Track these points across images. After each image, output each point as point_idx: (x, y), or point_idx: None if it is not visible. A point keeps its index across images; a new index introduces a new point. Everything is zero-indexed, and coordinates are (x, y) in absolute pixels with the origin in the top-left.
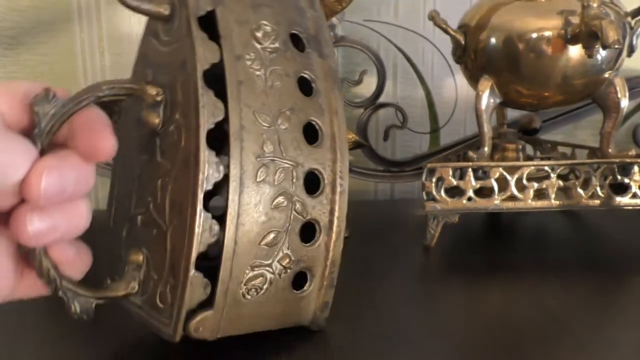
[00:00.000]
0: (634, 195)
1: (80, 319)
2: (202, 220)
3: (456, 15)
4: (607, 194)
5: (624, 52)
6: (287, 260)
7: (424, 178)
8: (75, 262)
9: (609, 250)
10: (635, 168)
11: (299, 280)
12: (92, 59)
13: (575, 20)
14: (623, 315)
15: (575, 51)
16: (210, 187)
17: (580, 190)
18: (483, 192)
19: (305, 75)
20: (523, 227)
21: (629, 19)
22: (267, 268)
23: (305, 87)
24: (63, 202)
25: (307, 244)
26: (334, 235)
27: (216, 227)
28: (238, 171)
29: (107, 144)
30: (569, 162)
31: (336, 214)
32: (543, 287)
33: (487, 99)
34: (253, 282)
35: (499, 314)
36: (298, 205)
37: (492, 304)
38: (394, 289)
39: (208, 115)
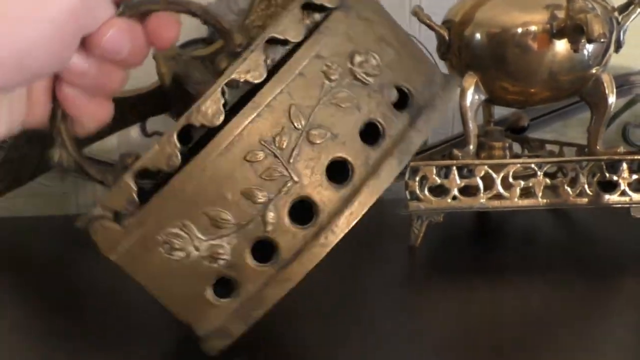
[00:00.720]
0: (623, 193)
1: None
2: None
3: (442, 12)
4: (596, 192)
5: (611, 48)
6: (223, 251)
7: (407, 177)
8: (92, 114)
9: (597, 250)
10: (624, 165)
11: (221, 285)
12: None
13: (560, 14)
14: (608, 318)
15: (561, 46)
16: None
17: (567, 188)
18: (468, 191)
19: (377, 122)
20: (510, 227)
21: (616, 14)
22: (197, 240)
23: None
24: (109, 63)
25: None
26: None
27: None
28: None
29: (171, 34)
30: (555, 159)
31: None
32: (529, 288)
33: (471, 96)
34: (173, 239)
35: (483, 315)
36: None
37: (477, 304)
38: (377, 289)
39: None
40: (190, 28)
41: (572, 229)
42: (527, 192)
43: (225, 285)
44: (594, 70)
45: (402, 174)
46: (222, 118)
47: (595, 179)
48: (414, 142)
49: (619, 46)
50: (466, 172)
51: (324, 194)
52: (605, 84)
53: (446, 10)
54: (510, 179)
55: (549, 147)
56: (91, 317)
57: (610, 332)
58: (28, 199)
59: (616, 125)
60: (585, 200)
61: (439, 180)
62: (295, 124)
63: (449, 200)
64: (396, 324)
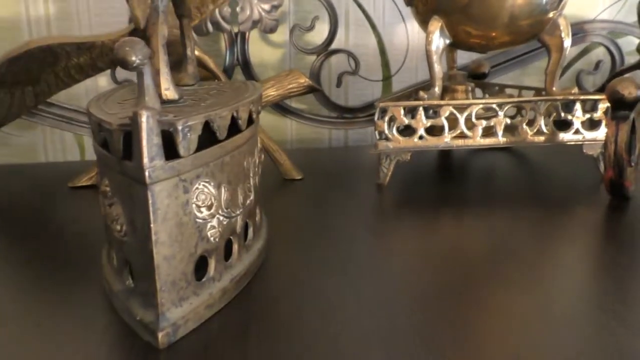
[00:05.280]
0: (577, 132)
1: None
2: None
3: None
4: (552, 130)
5: None
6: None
7: (376, 117)
8: None
9: (553, 184)
10: (577, 105)
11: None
12: (35, 6)
13: None
14: (567, 239)
15: None
16: None
17: (526, 127)
18: (433, 132)
19: None
20: (472, 166)
21: None
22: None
23: None
24: None
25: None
26: None
27: None
28: None
29: None
30: (515, 99)
31: None
32: (493, 217)
33: (437, 40)
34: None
35: (452, 242)
36: None
37: (446, 233)
38: (348, 223)
39: None
40: None
41: (528, 166)
42: (488, 132)
43: None
44: (551, 15)
45: (371, 122)
46: None
47: (552, 118)
48: None
49: None
50: (432, 113)
51: None
52: (562, 27)
53: None
54: (474, 119)
55: (508, 92)
56: (52, 249)
57: (568, 251)
58: None
59: (570, 73)
60: (542, 138)
61: (406, 121)
62: None
63: (416, 140)
64: (369, 252)
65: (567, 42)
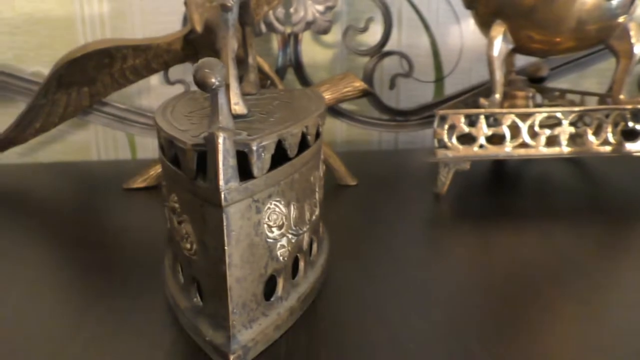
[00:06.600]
0: None
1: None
2: None
3: None
4: (619, 140)
5: None
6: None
7: (435, 125)
8: None
9: (618, 197)
10: None
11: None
12: (90, 5)
13: None
14: (632, 254)
15: None
16: None
17: (591, 137)
18: (493, 140)
19: None
20: (531, 175)
21: None
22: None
23: None
24: None
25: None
26: None
27: None
28: None
29: None
30: (582, 108)
31: None
32: (555, 231)
33: (499, 45)
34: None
35: (513, 257)
36: None
37: (506, 247)
38: (405, 233)
39: None
40: None
41: (592, 177)
42: (551, 141)
43: None
44: (620, 20)
45: (423, 124)
46: None
47: (619, 128)
48: None
49: None
50: (492, 120)
51: None
52: (632, 33)
53: None
54: (536, 128)
55: (568, 96)
56: (110, 255)
57: (634, 266)
58: (50, 145)
59: (633, 75)
60: (608, 149)
61: (467, 129)
62: None
63: (476, 149)
64: (431, 268)
65: (638, 48)
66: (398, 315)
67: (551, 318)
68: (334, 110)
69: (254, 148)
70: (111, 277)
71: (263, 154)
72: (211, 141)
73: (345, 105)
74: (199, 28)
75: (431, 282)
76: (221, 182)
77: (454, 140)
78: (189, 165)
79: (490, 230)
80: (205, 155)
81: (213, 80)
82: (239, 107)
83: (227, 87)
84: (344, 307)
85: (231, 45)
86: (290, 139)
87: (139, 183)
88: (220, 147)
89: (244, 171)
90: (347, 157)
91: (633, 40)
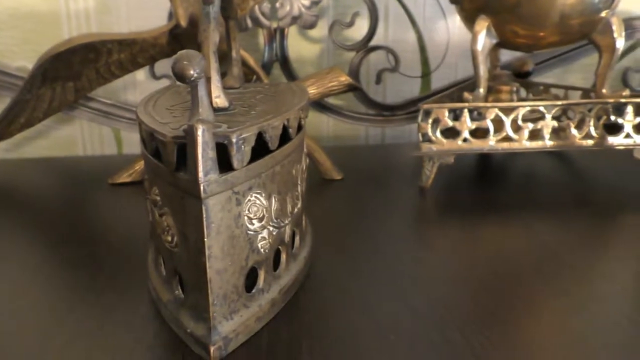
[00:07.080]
0: (627, 136)
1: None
2: None
3: None
4: (601, 134)
5: None
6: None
7: (419, 119)
8: None
9: (600, 190)
10: (629, 108)
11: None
12: (75, 1)
13: None
14: (617, 250)
15: None
16: None
17: (574, 131)
18: (477, 134)
19: None
20: (515, 169)
21: None
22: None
23: None
24: None
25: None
26: None
27: None
28: None
29: None
30: (565, 102)
31: None
32: (538, 224)
33: (483, 40)
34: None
35: (497, 249)
36: None
37: (490, 239)
38: (391, 226)
39: None
40: None
41: (575, 171)
42: (534, 135)
43: None
44: (603, 14)
45: (409, 119)
46: None
47: (601, 121)
48: None
49: None
50: (476, 114)
51: None
52: (614, 27)
53: None
54: (520, 122)
55: (553, 92)
56: (92, 251)
57: (619, 263)
58: (35, 141)
59: (616, 71)
60: (590, 142)
61: (450, 123)
62: None
63: (460, 142)
64: (416, 260)
65: (620, 42)
66: (383, 307)
67: (533, 309)
68: (320, 105)
69: (234, 140)
70: (97, 271)
71: (243, 147)
72: (190, 133)
73: (332, 100)
74: (183, 22)
75: (415, 274)
76: (200, 174)
77: (438, 134)
78: (170, 158)
79: (475, 223)
80: (185, 148)
81: (191, 72)
82: (220, 100)
83: (209, 80)
84: (327, 299)
85: (213, 38)
86: (271, 131)
87: (124, 178)
88: (200, 139)
89: (226, 163)
90: (334, 152)
91: (615, 34)
